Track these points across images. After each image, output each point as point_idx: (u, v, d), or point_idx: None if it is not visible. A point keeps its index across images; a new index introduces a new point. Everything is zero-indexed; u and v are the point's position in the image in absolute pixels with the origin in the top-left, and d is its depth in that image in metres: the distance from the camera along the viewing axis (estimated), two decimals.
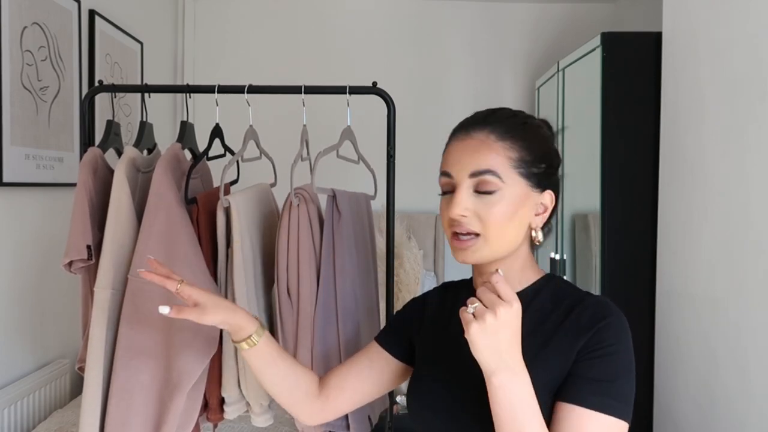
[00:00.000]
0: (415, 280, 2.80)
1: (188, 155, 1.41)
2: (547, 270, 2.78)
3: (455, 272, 3.25)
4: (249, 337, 0.99)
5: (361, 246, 1.37)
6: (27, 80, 1.79)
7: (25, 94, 1.78)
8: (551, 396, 0.82)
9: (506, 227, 0.85)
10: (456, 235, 0.86)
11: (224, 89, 1.27)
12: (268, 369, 1.02)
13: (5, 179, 1.68)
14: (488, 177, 0.84)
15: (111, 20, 2.33)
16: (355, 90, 1.29)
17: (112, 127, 1.34)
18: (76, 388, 2.06)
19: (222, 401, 1.27)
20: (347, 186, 1.36)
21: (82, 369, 1.21)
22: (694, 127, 1.82)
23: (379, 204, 1.43)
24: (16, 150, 1.73)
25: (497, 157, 0.85)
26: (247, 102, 1.31)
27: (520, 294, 0.87)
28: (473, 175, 0.85)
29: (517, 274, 0.92)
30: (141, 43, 2.62)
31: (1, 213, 1.73)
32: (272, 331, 1.32)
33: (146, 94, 1.37)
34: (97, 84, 1.34)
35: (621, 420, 0.80)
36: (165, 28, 3.05)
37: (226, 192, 1.33)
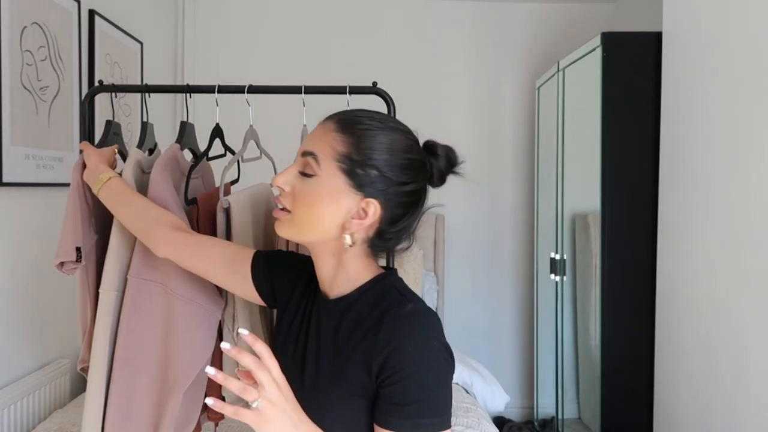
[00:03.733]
0: (415, 280, 2.80)
1: (189, 155, 1.41)
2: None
3: (456, 272, 3.25)
4: (99, 176, 1.14)
5: None
6: (27, 80, 1.79)
7: (25, 94, 1.78)
8: (356, 403, 0.84)
9: (313, 214, 0.87)
10: (277, 206, 0.91)
11: (224, 89, 1.27)
12: (121, 204, 1.13)
13: (5, 179, 1.68)
14: (309, 159, 0.87)
15: (111, 20, 2.33)
16: (355, 90, 1.29)
17: (111, 127, 1.34)
18: (76, 388, 2.06)
19: (222, 400, 1.27)
20: None
21: (84, 370, 1.21)
22: (694, 127, 1.82)
23: None
24: (16, 150, 1.73)
25: (324, 145, 0.87)
26: (247, 102, 1.31)
27: (344, 298, 0.90)
28: (302, 155, 0.89)
29: (345, 276, 0.91)
30: (141, 43, 2.62)
31: (1, 213, 1.73)
32: None
33: (146, 94, 1.37)
34: (97, 84, 1.34)
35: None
36: (165, 28, 3.05)
37: (227, 192, 1.33)
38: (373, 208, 0.86)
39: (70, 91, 2.04)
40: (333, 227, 0.87)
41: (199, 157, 1.33)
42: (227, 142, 1.41)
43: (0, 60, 1.65)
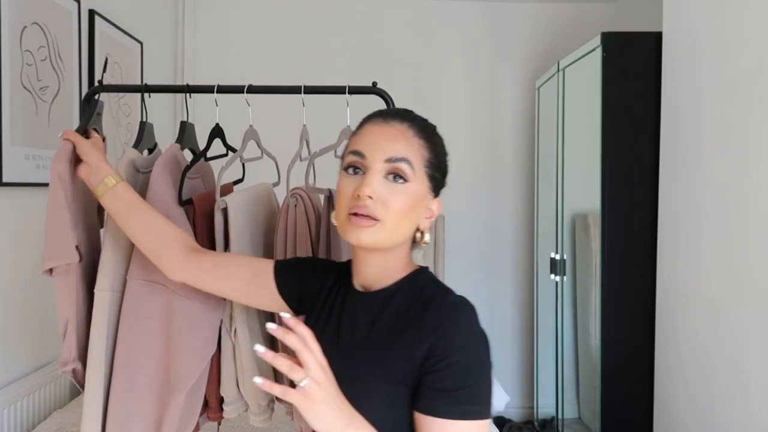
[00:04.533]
0: None
1: (190, 156, 1.41)
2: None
3: (456, 272, 3.25)
4: (104, 179, 1.08)
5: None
6: (27, 80, 1.79)
7: (25, 94, 1.78)
8: (394, 390, 0.84)
9: (404, 219, 0.88)
10: (355, 214, 0.86)
11: (224, 89, 1.27)
12: (128, 216, 1.09)
13: (5, 179, 1.68)
14: (403, 165, 0.87)
15: (111, 20, 2.33)
16: (355, 90, 1.29)
17: (96, 106, 1.28)
18: (76, 388, 2.06)
19: (221, 400, 1.27)
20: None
21: (66, 373, 1.18)
22: (694, 127, 1.82)
23: None
24: (16, 150, 1.73)
25: (413, 150, 0.88)
26: (247, 102, 1.31)
27: (383, 291, 0.92)
28: (389, 160, 0.86)
29: (395, 270, 0.93)
30: (141, 43, 2.62)
31: (1, 213, 1.73)
32: None
33: (146, 94, 1.37)
34: (97, 84, 1.34)
35: (481, 420, 0.81)
36: (165, 28, 3.05)
37: (229, 191, 1.33)
38: (437, 205, 0.94)
39: (70, 91, 2.04)
40: (413, 230, 0.92)
41: (196, 157, 1.32)
42: (228, 142, 1.41)
43: (0, 60, 1.65)
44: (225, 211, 1.19)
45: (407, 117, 0.92)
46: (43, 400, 1.84)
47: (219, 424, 1.32)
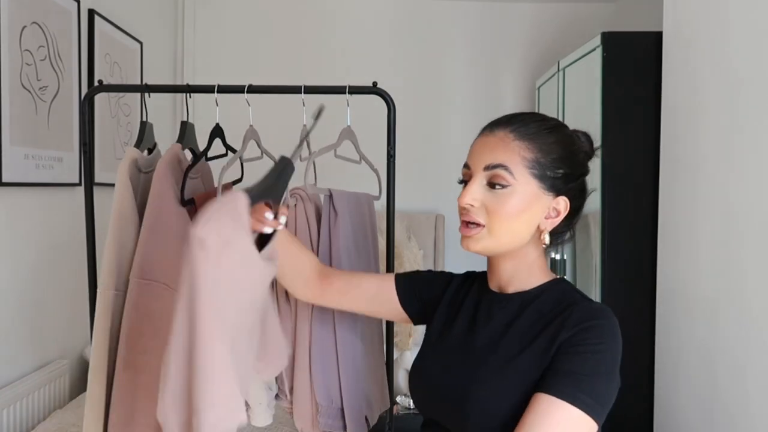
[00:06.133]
0: None
1: (189, 156, 1.40)
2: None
3: (455, 272, 3.24)
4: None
5: (362, 246, 1.37)
6: (26, 80, 1.78)
7: (25, 94, 1.78)
8: (531, 388, 0.84)
9: (511, 223, 0.89)
10: (464, 223, 0.91)
11: (224, 89, 1.27)
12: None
13: (5, 179, 1.68)
14: (500, 171, 0.88)
15: (111, 20, 2.33)
16: (355, 90, 1.29)
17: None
18: (76, 388, 2.06)
19: None
20: (350, 186, 1.36)
21: None
22: (694, 127, 1.82)
23: (379, 204, 1.43)
24: (15, 150, 1.73)
25: (512, 154, 0.89)
26: (247, 102, 1.31)
27: (525, 294, 0.94)
28: (487, 168, 0.90)
29: (525, 273, 0.95)
30: (141, 43, 2.62)
31: (1, 213, 1.72)
32: None
33: (146, 94, 1.36)
34: (96, 84, 1.34)
35: (589, 417, 0.79)
36: (165, 28, 3.05)
37: (228, 191, 1.32)
38: (564, 205, 0.93)
39: (69, 91, 2.04)
40: (530, 232, 0.92)
41: (197, 157, 1.32)
42: (227, 142, 1.41)
43: (0, 60, 1.65)
44: None
45: (513, 121, 0.93)
46: (43, 400, 1.84)
47: None
